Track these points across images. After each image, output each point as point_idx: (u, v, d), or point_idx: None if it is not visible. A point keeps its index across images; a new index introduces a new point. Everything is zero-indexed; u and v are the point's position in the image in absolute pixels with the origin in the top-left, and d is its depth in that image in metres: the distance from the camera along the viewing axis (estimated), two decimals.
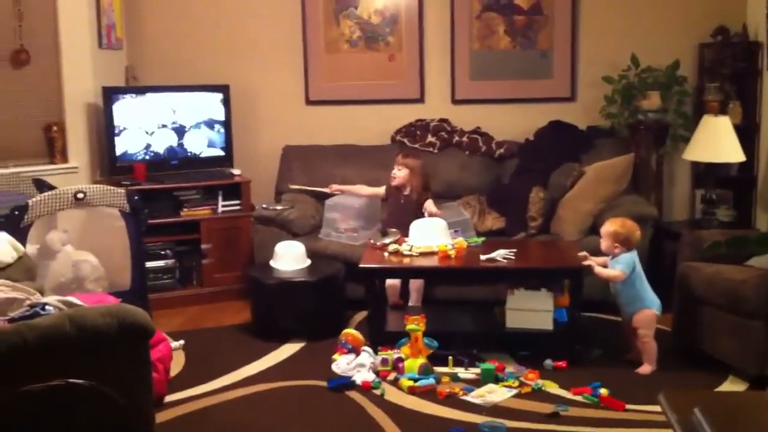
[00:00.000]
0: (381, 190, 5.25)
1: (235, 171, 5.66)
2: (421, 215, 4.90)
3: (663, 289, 4.30)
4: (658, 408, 2.56)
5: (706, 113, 5.31)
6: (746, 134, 5.35)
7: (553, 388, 3.93)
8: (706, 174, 5.53)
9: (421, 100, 6.04)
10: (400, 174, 5.12)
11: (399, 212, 5.06)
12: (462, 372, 4.11)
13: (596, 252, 4.35)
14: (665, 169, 5.75)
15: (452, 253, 4.46)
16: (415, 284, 4.86)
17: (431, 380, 3.96)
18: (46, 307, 3.00)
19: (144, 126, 5.50)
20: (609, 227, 4.23)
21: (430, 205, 5.01)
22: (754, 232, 5.11)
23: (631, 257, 4.16)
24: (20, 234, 4.09)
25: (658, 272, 4.64)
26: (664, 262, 5.25)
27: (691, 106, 5.73)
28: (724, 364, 4.04)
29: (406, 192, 5.13)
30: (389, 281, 4.83)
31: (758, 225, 5.45)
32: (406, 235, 4.70)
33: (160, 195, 5.35)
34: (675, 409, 2.30)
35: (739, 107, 5.51)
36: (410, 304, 4.87)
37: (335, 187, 5.38)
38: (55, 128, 5.19)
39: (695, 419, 2.18)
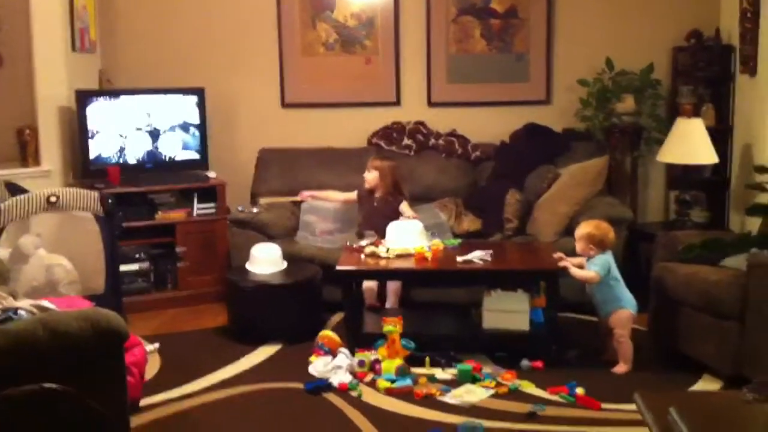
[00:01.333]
0: (353, 194, 5.25)
1: (211, 174, 5.63)
2: (395, 218, 4.89)
3: (638, 289, 4.33)
4: (633, 407, 2.58)
5: (680, 116, 5.36)
6: (719, 136, 5.40)
7: (530, 388, 3.95)
8: (680, 176, 5.58)
9: (397, 103, 6.04)
10: (369, 176, 5.12)
11: (373, 215, 5.05)
12: (439, 373, 4.11)
13: (572, 253, 4.37)
14: (640, 171, 5.80)
15: (429, 255, 4.46)
16: (393, 286, 4.86)
17: (408, 381, 3.96)
18: (19, 311, 2.97)
19: (118, 129, 5.45)
20: (583, 229, 4.26)
21: (405, 208, 5.01)
22: (729, 233, 5.16)
23: (606, 258, 4.19)
24: None
25: (633, 273, 4.67)
26: (639, 263, 5.29)
27: (665, 109, 5.78)
28: (699, 363, 4.07)
29: (378, 194, 5.12)
30: (366, 283, 4.82)
31: (732, 226, 5.50)
32: (382, 238, 4.70)
33: (135, 198, 5.31)
34: (651, 409, 2.32)
35: (713, 110, 5.57)
36: (387, 305, 4.86)
37: (306, 194, 5.37)
38: (27, 131, 5.14)
39: (671, 419, 2.19)
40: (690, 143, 5.14)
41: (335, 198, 5.29)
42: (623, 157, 5.72)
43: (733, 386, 3.86)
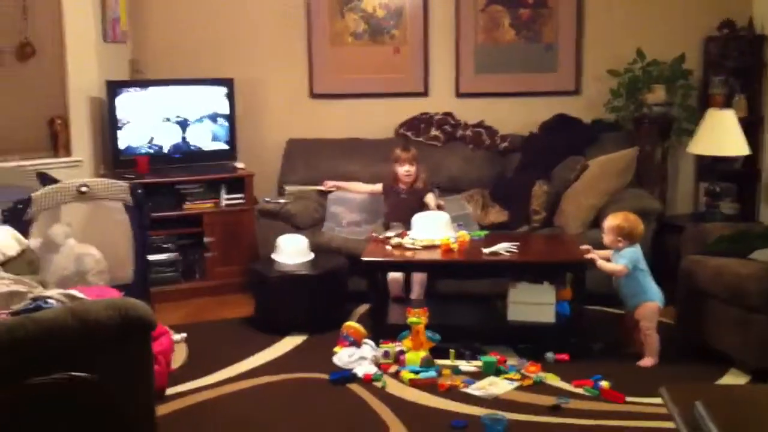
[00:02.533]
0: (378, 186, 5.25)
1: (239, 165, 5.66)
2: (421, 209, 4.89)
3: (666, 282, 4.30)
4: (658, 400, 2.57)
5: (711, 107, 5.30)
6: (751, 128, 5.34)
7: (554, 380, 3.94)
8: (711, 167, 5.52)
9: (425, 93, 6.03)
10: (413, 169, 5.10)
11: (399, 206, 5.06)
12: (463, 365, 4.11)
13: (599, 246, 4.35)
14: (669, 162, 5.74)
15: (455, 246, 4.45)
16: (418, 277, 4.86)
17: (433, 373, 3.97)
18: (49, 300, 3.01)
19: (147, 120, 5.50)
20: (612, 221, 4.22)
21: (430, 199, 5.01)
22: (758, 225, 5.09)
23: (635, 251, 4.15)
24: (23, 227, 4.10)
25: (661, 265, 4.63)
26: (667, 255, 5.23)
27: (696, 100, 5.72)
28: (726, 356, 4.04)
29: (419, 185, 5.10)
30: (392, 275, 4.83)
31: (762, 218, 5.44)
32: (408, 229, 4.70)
33: (163, 189, 5.35)
34: (677, 403, 2.30)
35: (744, 101, 5.50)
36: (413, 297, 4.87)
37: (330, 183, 5.38)
38: (59, 122, 5.20)
39: (697, 413, 2.18)
40: (721, 134, 5.07)
41: (360, 189, 5.30)
42: (653, 149, 5.66)
43: (759, 380, 3.84)
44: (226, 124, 5.72)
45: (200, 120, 5.66)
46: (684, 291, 4.33)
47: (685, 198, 5.91)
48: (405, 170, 5.10)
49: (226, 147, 5.74)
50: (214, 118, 5.69)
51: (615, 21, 5.83)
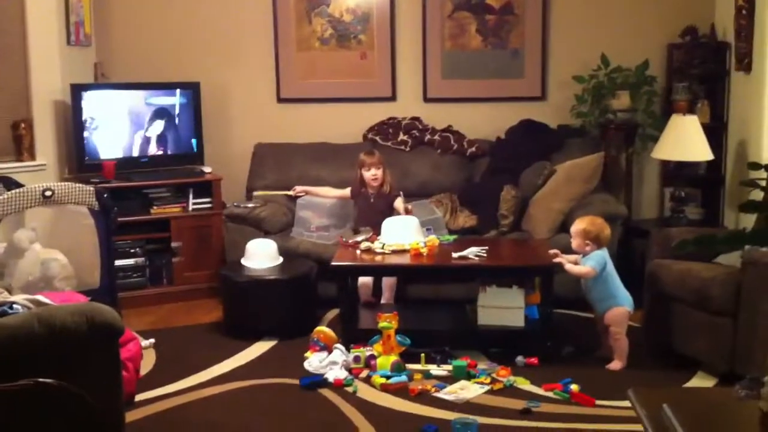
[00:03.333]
0: (346, 191, 5.25)
1: (206, 169, 5.62)
2: (390, 213, 4.89)
3: (633, 286, 4.34)
4: (627, 403, 2.59)
5: (675, 113, 5.37)
6: (714, 133, 5.41)
7: (524, 384, 3.96)
8: (675, 173, 5.60)
9: (393, 98, 6.04)
10: (380, 173, 5.11)
11: (368, 211, 5.06)
12: (434, 369, 4.12)
13: (567, 249, 4.38)
14: (635, 167, 5.80)
15: (424, 250, 4.46)
16: (388, 282, 4.87)
17: (403, 377, 3.96)
18: (14, 306, 2.97)
19: (113, 123, 5.44)
20: (579, 225, 4.26)
21: (399, 203, 5.01)
22: (722, 230, 5.17)
23: (602, 254, 4.19)
24: None
25: (627, 270, 4.68)
26: (633, 259, 5.29)
27: (660, 106, 5.78)
28: (693, 360, 4.09)
29: (385, 189, 5.11)
30: (362, 279, 4.83)
31: (726, 223, 5.51)
32: (377, 233, 4.70)
33: (130, 193, 5.30)
34: (644, 405, 2.33)
35: (708, 107, 5.58)
36: (383, 301, 4.87)
37: (299, 188, 5.37)
38: (22, 125, 5.13)
39: (664, 415, 2.20)
40: (685, 140, 5.14)
41: (329, 194, 5.29)
42: (618, 154, 5.72)
43: (726, 383, 3.88)
44: (193, 128, 5.68)
45: (167, 124, 5.61)
46: (650, 295, 4.38)
47: (651, 203, 5.98)
48: (371, 174, 5.10)
49: (192, 151, 5.70)
50: (180, 122, 5.65)
51: (580, 27, 5.89)
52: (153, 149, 5.59)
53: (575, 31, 5.90)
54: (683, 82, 5.62)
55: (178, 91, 5.64)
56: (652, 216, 5.90)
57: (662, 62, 5.81)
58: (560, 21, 5.91)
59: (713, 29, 5.64)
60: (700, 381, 3.99)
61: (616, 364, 4.15)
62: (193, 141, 5.69)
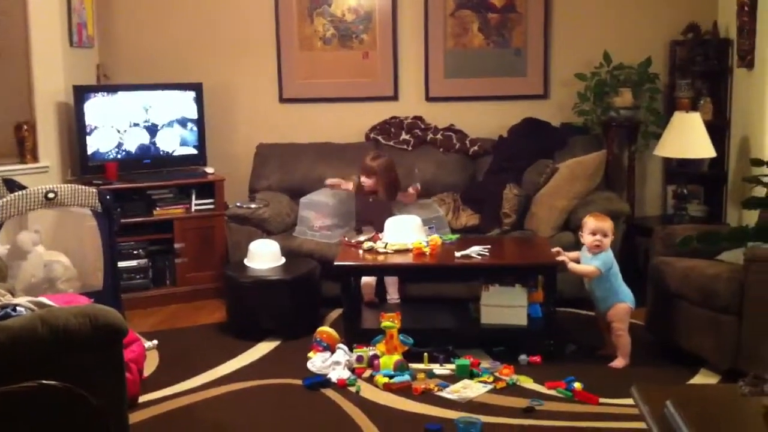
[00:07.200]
0: (350, 185, 5.27)
1: (209, 170, 5.63)
2: (391, 213, 4.90)
3: (636, 283, 4.34)
4: (631, 401, 2.58)
5: (678, 110, 5.37)
6: (717, 131, 5.40)
7: (527, 383, 3.96)
8: (678, 170, 5.59)
9: (395, 97, 6.04)
10: (371, 182, 5.13)
11: (369, 210, 5.07)
12: (437, 368, 4.12)
13: (570, 248, 4.38)
14: (637, 165, 5.80)
15: (427, 250, 4.46)
16: (391, 278, 4.87)
17: (406, 377, 3.97)
18: (18, 308, 2.97)
19: (116, 125, 5.45)
20: (601, 222, 4.18)
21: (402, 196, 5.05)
22: (725, 227, 5.16)
23: (610, 256, 4.18)
24: None
25: (630, 267, 4.68)
26: (636, 257, 5.30)
27: (662, 103, 5.78)
28: (697, 357, 4.08)
29: (381, 197, 5.13)
30: (364, 279, 4.83)
31: (729, 220, 5.50)
32: (380, 233, 4.70)
33: (133, 194, 5.31)
34: (648, 402, 2.32)
35: (710, 104, 5.57)
36: (389, 299, 4.88)
37: (332, 181, 5.36)
38: (25, 127, 5.13)
39: (668, 412, 2.20)
40: (687, 137, 5.14)
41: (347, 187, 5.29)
42: (621, 152, 5.73)
43: (730, 380, 3.87)
44: (195, 128, 5.68)
45: (169, 125, 5.62)
46: (653, 292, 4.38)
47: (653, 200, 5.97)
48: (364, 181, 5.16)
49: (195, 152, 5.70)
50: (183, 122, 5.66)
51: (582, 25, 5.89)
52: (155, 150, 5.59)
53: (577, 28, 5.89)
54: (686, 79, 5.62)
55: (180, 92, 5.64)
56: (655, 213, 5.89)
57: (665, 59, 5.80)
58: (562, 19, 5.90)
59: (716, 26, 5.63)
60: (704, 378, 3.98)
61: (619, 362, 4.15)
62: (196, 142, 5.69)
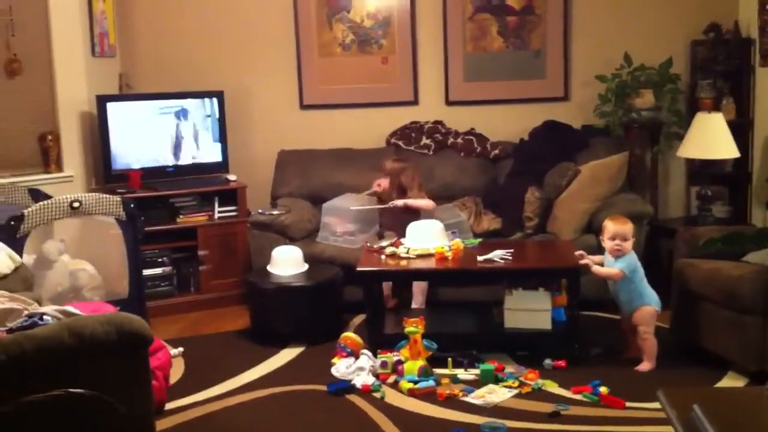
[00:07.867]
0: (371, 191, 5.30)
1: (231, 177, 5.65)
2: (414, 218, 4.90)
3: (660, 286, 4.30)
4: (658, 405, 2.57)
5: (700, 110, 5.33)
6: (740, 130, 5.37)
7: (553, 387, 3.94)
8: (701, 171, 5.55)
9: (415, 102, 6.04)
10: (385, 183, 5.17)
11: (392, 215, 5.08)
12: (462, 373, 4.11)
13: (593, 250, 4.36)
14: (660, 166, 5.76)
15: (449, 254, 4.46)
16: (420, 286, 4.86)
17: (431, 382, 3.96)
18: (44, 317, 3.00)
19: (138, 133, 5.49)
20: (622, 226, 4.15)
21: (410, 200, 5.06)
22: (750, 228, 5.12)
23: (634, 258, 4.15)
24: (17, 244, 4.08)
25: (654, 269, 4.64)
26: (660, 259, 5.26)
27: (684, 104, 5.74)
28: (723, 359, 4.05)
29: (394, 198, 5.13)
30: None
31: (754, 221, 5.46)
32: (402, 238, 4.70)
33: (156, 202, 5.34)
34: (674, 406, 2.31)
35: (733, 103, 5.53)
36: (413, 306, 4.88)
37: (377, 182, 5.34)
38: (49, 137, 5.18)
39: (695, 416, 2.18)
40: (710, 138, 5.10)
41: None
42: (643, 153, 5.69)
43: (758, 382, 3.83)
44: (218, 136, 5.71)
45: (192, 133, 5.65)
46: (678, 294, 4.34)
47: (677, 202, 5.93)
48: (379, 181, 5.20)
49: (217, 159, 5.73)
50: (205, 130, 5.69)
51: (602, 26, 5.86)
52: (178, 158, 5.63)
53: (597, 30, 5.87)
54: (707, 79, 5.58)
55: (202, 100, 5.68)
56: (678, 215, 5.85)
57: (686, 59, 5.77)
58: (582, 20, 5.88)
59: (737, 25, 5.59)
60: (731, 381, 3.94)
61: (645, 365, 4.12)
62: (218, 149, 5.72)
